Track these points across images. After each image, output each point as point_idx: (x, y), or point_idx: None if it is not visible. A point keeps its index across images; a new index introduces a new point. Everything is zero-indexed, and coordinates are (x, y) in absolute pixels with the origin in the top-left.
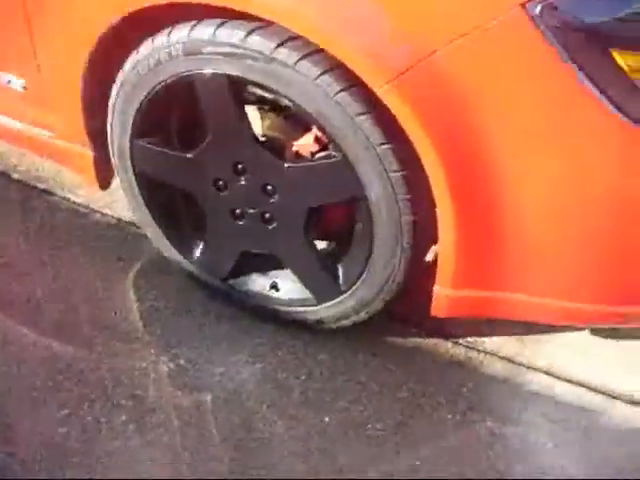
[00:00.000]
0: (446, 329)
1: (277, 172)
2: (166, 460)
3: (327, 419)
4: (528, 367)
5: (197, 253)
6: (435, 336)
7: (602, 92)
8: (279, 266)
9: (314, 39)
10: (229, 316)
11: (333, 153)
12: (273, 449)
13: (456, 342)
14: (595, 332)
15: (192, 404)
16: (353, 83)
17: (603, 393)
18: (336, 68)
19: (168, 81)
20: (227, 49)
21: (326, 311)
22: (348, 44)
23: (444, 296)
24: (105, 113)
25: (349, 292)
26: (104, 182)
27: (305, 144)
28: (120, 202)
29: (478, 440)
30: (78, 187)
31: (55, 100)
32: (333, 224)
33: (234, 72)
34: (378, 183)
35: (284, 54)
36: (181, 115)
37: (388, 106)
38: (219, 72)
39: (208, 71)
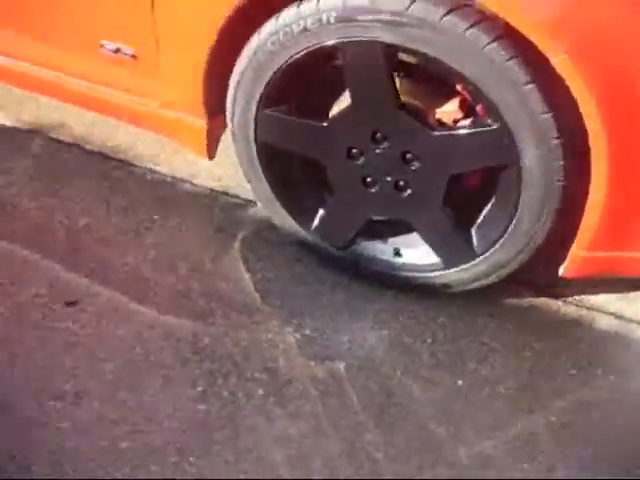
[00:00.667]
0: (557, 289)
1: (421, 140)
2: (310, 430)
3: (460, 382)
4: (637, 322)
5: (316, 222)
6: (545, 296)
7: None
8: (400, 232)
9: (491, 6)
10: (344, 284)
11: (488, 121)
12: (415, 413)
13: (565, 301)
14: None
15: (326, 373)
16: (519, 52)
17: None
18: (504, 37)
19: (311, 48)
20: (387, 17)
21: (455, 275)
22: (527, 12)
23: (579, 257)
24: (226, 85)
25: (483, 256)
26: (213, 152)
27: (449, 111)
28: (204, 171)
29: (605, 393)
30: (156, 157)
31: (172, 71)
32: (470, 189)
33: (392, 40)
34: (535, 150)
35: (451, 22)
36: (311, 83)
37: (562, 75)
38: (375, 40)
39: (362, 39)
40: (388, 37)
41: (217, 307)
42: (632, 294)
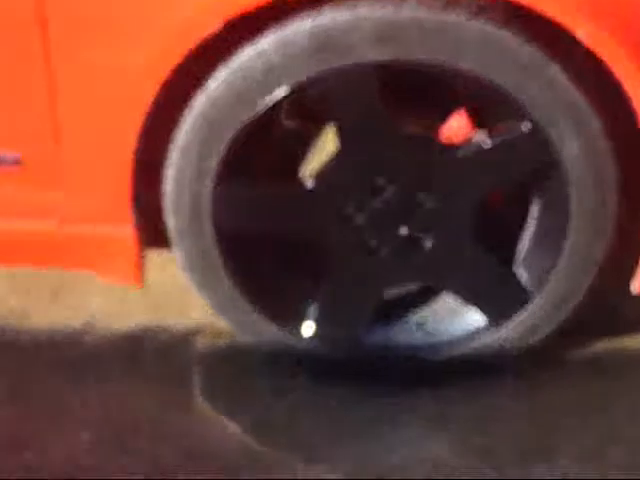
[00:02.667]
0: None
1: (437, 170)
2: None
3: None
4: None
5: (308, 323)
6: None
7: None
8: (419, 299)
9: None
10: (364, 395)
11: (522, 125)
12: None
13: None
14: None
15: None
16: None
17: None
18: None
19: (285, 88)
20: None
21: (508, 332)
22: None
23: None
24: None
25: (540, 295)
26: (142, 276)
27: (457, 127)
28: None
29: None
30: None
31: (84, 172)
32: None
33: (385, 57)
34: (576, 142)
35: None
36: (279, 140)
37: (600, 55)
38: (364, 61)
39: (348, 63)
40: (380, 54)
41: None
42: None
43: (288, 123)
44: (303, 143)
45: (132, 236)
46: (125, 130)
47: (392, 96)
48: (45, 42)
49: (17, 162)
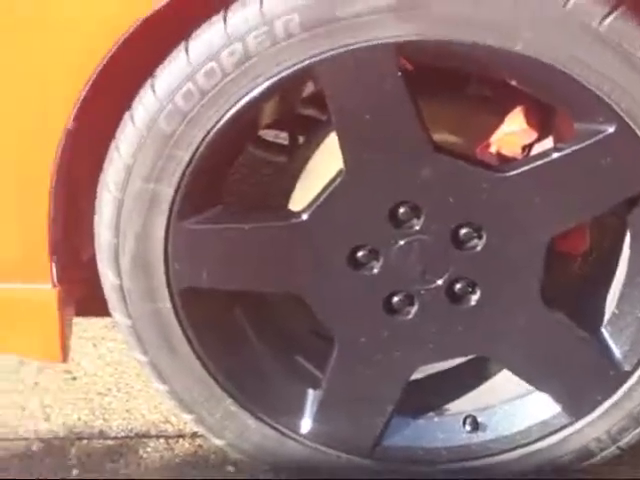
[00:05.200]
0: None
1: (479, 196)
2: None
3: None
4: None
5: (308, 415)
6: None
7: None
8: (465, 384)
9: None
10: None
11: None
12: None
13: None
14: None
15: None
16: None
17: None
18: None
19: (259, 88)
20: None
21: (592, 430)
22: None
23: None
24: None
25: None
26: (68, 347)
27: (513, 133)
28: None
29: None
30: None
31: None
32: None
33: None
34: None
35: None
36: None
37: None
38: (380, 41)
39: (357, 46)
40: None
41: None
42: None
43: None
44: (289, 163)
45: (51, 299)
46: (36, 158)
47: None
48: None
49: None
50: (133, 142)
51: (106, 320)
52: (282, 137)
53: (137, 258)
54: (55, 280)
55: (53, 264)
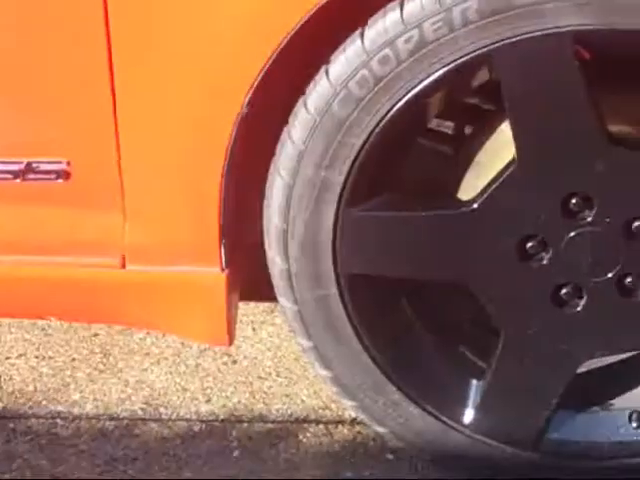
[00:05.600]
0: None
1: None
2: None
3: None
4: None
5: (472, 405)
6: None
7: None
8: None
9: None
10: None
11: None
12: None
13: None
14: None
15: None
16: None
17: None
18: None
19: (440, 71)
20: None
21: None
22: None
23: None
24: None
25: None
26: (233, 330)
27: None
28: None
29: None
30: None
31: (155, 193)
32: None
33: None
34: None
35: None
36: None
37: None
38: (557, 29)
39: (538, 33)
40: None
41: None
42: None
43: (438, 125)
44: (457, 152)
45: (219, 282)
46: (210, 141)
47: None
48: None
49: (62, 174)
50: (306, 128)
51: (265, 304)
52: (445, 126)
53: (305, 244)
54: (223, 264)
55: (222, 248)
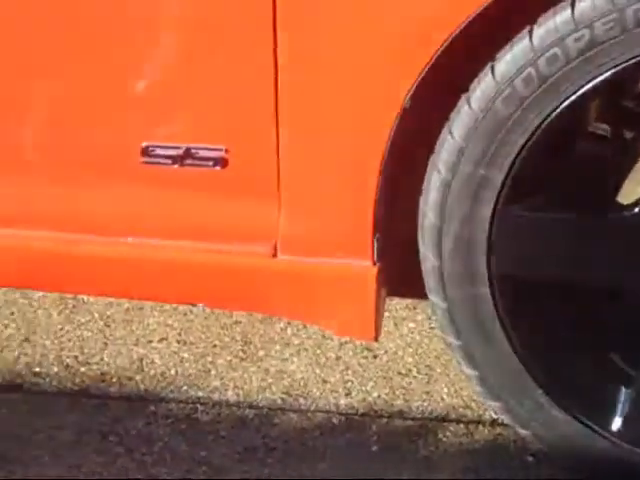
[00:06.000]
0: None
1: None
2: None
3: None
4: None
5: (624, 415)
6: None
7: None
8: None
9: None
10: None
11: None
12: None
13: None
14: None
15: None
16: None
17: None
18: None
19: (609, 72)
20: None
21: None
22: None
23: None
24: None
25: None
26: (378, 326)
27: None
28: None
29: None
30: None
31: (312, 182)
32: None
33: None
34: None
35: None
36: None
37: None
38: None
39: None
40: None
41: None
42: None
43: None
44: (620, 154)
45: (370, 276)
46: (371, 135)
47: None
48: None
49: (219, 162)
50: (467, 125)
51: (407, 301)
52: (603, 129)
53: (460, 241)
54: (375, 258)
55: (375, 241)
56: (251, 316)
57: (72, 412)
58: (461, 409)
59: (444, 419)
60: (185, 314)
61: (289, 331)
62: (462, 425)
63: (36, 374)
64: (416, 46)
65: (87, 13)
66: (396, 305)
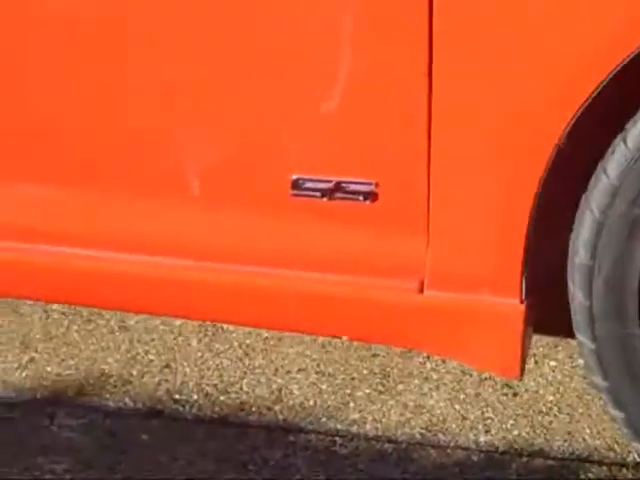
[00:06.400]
0: None
1: None
2: None
3: None
4: None
5: None
6: None
7: None
8: None
9: None
10: None
11: None
12: None
13: None
14: None
15: None
16: None
17: None
18: None
19: None
20: None
21: None
22: None
23: None
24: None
25: None
26: (522, 364)
27: None
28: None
29: None
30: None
31: (463, 218)
32: None
33: None
34: None
35: None
36: None
37: None
38: None
39: None
40: None
41: None
42: None
43: None
44: None
45: (518, 313)
46: (524, 171)
47: None
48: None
49: (369, 196)
50: (622, 164)
51: (549, 338)
52: None
53: (612, 281)
54: (523, 295)
55: (524, 279)
56: (389, 349)
57: (212, 440)
58: (604, 450)
59: (586, 460)
60: (323, 346)
61: (428, 365)
62: (605, 467)
63: (176, 401)
64: (575, 82)
65: (241, 41)
66: (537, 342)
